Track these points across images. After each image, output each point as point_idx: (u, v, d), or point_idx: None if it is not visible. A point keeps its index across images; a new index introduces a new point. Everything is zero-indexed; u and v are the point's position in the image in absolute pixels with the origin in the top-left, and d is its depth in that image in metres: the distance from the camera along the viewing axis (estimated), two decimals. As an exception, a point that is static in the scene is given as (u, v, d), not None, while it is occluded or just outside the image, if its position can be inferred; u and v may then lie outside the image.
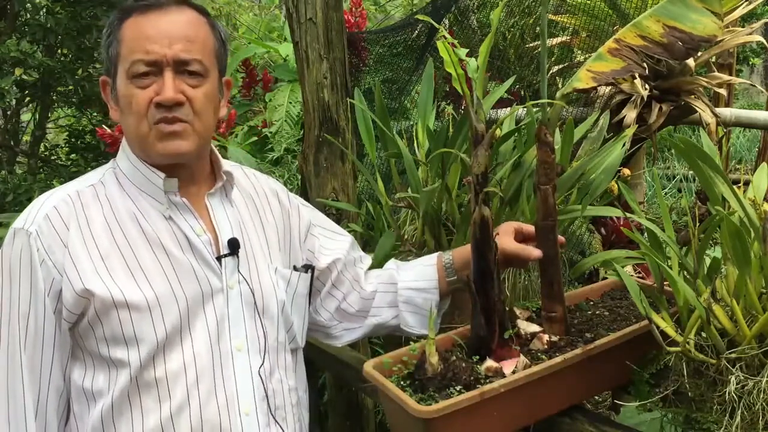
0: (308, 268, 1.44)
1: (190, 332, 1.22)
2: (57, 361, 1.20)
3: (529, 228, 1.45)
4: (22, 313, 1.18)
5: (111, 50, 1.24)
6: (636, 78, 2.20)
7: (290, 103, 3.52)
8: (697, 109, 2.29)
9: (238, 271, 1.29)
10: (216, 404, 1.22)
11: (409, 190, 1.78)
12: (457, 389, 1.21)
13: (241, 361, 1.26)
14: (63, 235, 1.19)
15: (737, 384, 1.07)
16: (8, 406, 1.18)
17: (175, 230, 1.25)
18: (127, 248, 1.21)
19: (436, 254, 1.52)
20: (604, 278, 1.79)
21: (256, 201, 1.41)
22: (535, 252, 1.37)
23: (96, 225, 1.22)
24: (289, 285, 1.37)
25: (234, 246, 1.29)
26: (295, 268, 1.40)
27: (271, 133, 3.47)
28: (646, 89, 2.24)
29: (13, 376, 1.18)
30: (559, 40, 2.63)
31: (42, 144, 4.09)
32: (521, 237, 1.45)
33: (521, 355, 1.29)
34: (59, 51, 3.73)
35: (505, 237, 1.42)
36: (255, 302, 1.29)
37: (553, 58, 2.66)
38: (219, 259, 1.27)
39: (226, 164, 1.37)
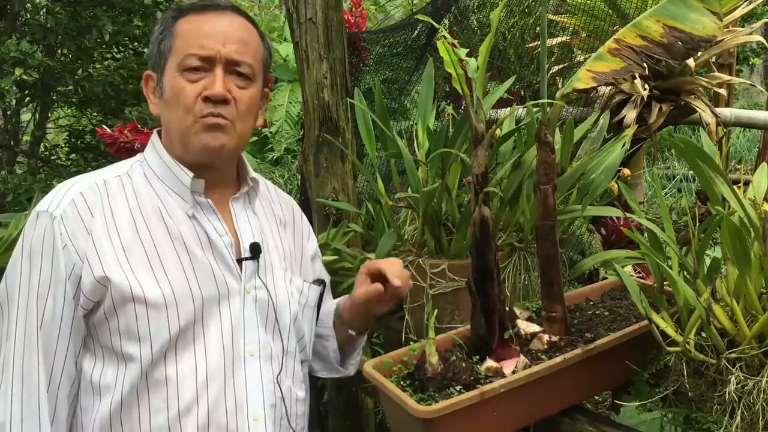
0: (320, 282, 1.44)
1: (204, 333, 1.22)
2: (71, 347, 1.20)
3: (378, 265, 1.37)
4: (40, 295, 1.18)
5: (163, 44, 1.26)
6: (636, 78, 2.20)
7: (290, 103, 3.53)
8: (697, 109, 2.29)
9: (258, 276, 1.29)
10: (224, 407, 1.22)
11: (409, 190, 1.78)
12: (457, 389, 1.21)
13: (252, 367, 1.26)
14: (87, 222, 1.19)
15: (737, 384, 1.08)
16: (22, 386, 1.18)
17: (197, 229, 1.26)
18: (149, 242, 1.22)
19: (339, 299, 1.50)
20: (604, 278, 1.79)
21: (276, 212, 1.42)
22: (375, 289, 1.33)
23: (120, 216, 1.22)
24: (302, 295, 1.38)
25: (255, 250, 1.29)
26: (305, 281, 1.41)
27: (271, 133, 3.48)
28: (646, 89, 2.23)
29: (29, 358, 1.18)
30: (559, 40, 2.63)
31: (42, 144, 4.09)
32: (375, 277, 1.38)
33: (521, 355, 1.29)
34: (59, 51, 3.73)
35: (359, 288, 1.38)
36: (269, 309, 1.30)
37: (553, 58, 2.66)
38: (240, 262, 1.27)
39: (252, 171, 1.38)
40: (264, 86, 1.34)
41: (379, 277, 1.37)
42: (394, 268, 1.36)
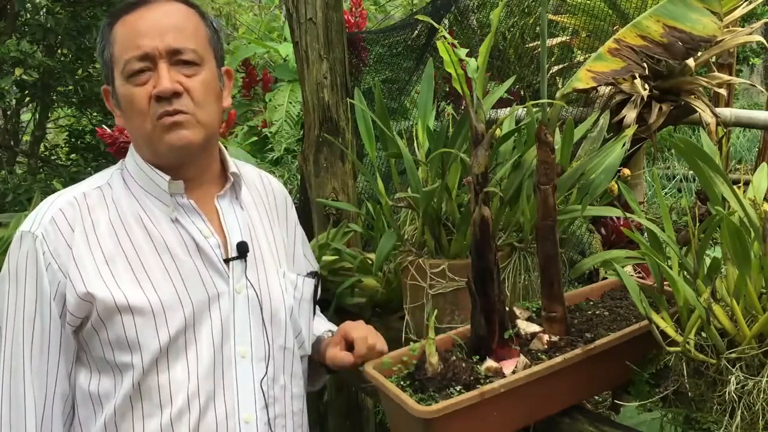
0: (314, 274, 1.43)
1: (195, 338, 1.21)
2: (63, 366, 1.19)
3: (352, 335, 1.39)
4: (27, 318, 1.17)
5: (105, 55, 1.23)
6: (636, 78, 2.20)
7: (290, 103, 3.52)
8: (697, 109, 2.28)
9: (246, 276, 1.28)
10: (215, 411, 1.21)
11: (409, 190, 1.78)
12: (457, 389, 1.21)
13: (243, 368, 1.25)
14: (68, 238, 1.18)
15: (737, 384, 1.07)
16: (10, 410, 1.17)
17: (182, 233, 1.24)
18: (132, 253, 1.20)
19: (323, 333, 1.50)
20: (604, 278, 1.78)
21: (267, 204, 1.40)
22: (346, 359, 1.35)
23: (101, 228, 1.21)
24: (296, 289, 1.36)
25: (242, 250, 1.27)
26: (298, 274, 1.40)
27: (271, 133, 3.47)
28: (646, 89, 2.23)
29: (15, 382, 1.17)
30: (559, 40, 2.63)
31: (42, 144, 4.09)
32: (347, 343, 1.40)
33: (521, 355, 1.29)
34: (59, 51, 3.73)
35: (331, 349, 1.40)
36: (261, 308, 1.28)
37: (553, 58, 2.66)
38: (227, 262, 1.26)
39: (234, 165, 1.35)
40: (219, 65, 1.29)
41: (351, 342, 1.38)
42: (364, 342, 1.35)
